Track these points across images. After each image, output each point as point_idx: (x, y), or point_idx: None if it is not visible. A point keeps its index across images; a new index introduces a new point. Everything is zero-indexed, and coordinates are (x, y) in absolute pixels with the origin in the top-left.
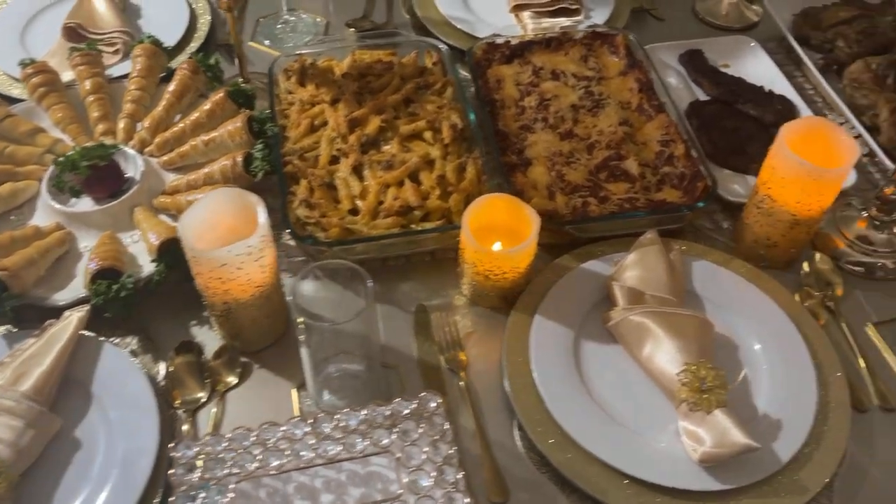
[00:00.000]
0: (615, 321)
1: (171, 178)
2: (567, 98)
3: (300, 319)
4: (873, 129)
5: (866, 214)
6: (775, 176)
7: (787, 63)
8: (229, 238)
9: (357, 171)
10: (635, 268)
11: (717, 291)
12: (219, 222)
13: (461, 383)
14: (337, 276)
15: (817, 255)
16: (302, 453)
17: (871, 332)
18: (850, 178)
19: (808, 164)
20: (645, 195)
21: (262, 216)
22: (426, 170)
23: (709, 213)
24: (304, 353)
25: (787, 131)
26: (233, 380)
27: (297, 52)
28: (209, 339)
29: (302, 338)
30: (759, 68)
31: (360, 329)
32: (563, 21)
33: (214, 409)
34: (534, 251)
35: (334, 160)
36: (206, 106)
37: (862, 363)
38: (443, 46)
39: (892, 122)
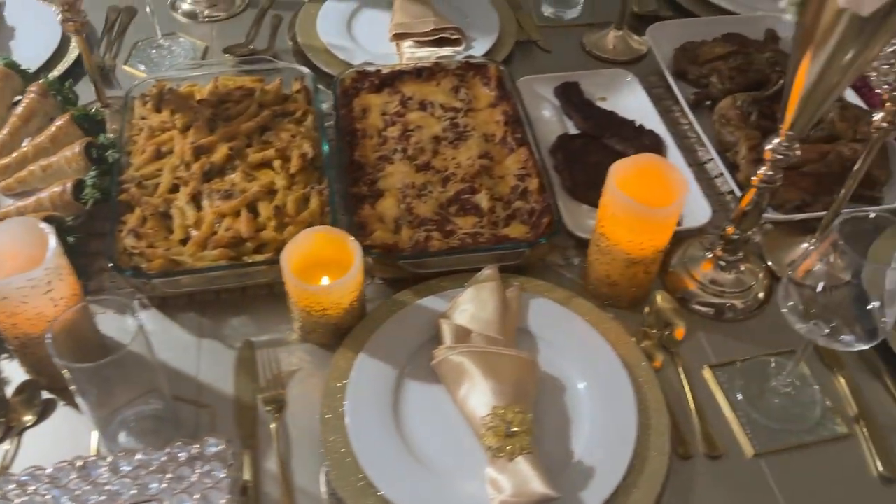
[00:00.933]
0: (437, 360)
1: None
2: (431, 129)
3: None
4: (735, 167)
5: (711, 255)
6: (607, 214)
7: (667, 97)
8: (27, 270)
9: (196, 200)
10: (468, 305)
11: (553, 330)
12: (18, 253)
13: (272, 425)
14: (112, 311)
15: (658, 295)
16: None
17: (707, 374)
18: (705, 216)
19: (633, 202)
20: (491, 230)
21: (52, 246)
22: (266, 200)
23: (562, 249)
24: (78, 398)
25: (617, 169)
26: (29, 419)
27: (157, 76)
28: (17, 373)
29: (70, 383)
30: (634, 102)
31: (134, 368)
32: (445, 51)
33: (8, 448)
34: (357, 287)
35: (175, 189)
36: (51, 130)
37: (692, 407)
38: (309, 74)
39: (749, 159)
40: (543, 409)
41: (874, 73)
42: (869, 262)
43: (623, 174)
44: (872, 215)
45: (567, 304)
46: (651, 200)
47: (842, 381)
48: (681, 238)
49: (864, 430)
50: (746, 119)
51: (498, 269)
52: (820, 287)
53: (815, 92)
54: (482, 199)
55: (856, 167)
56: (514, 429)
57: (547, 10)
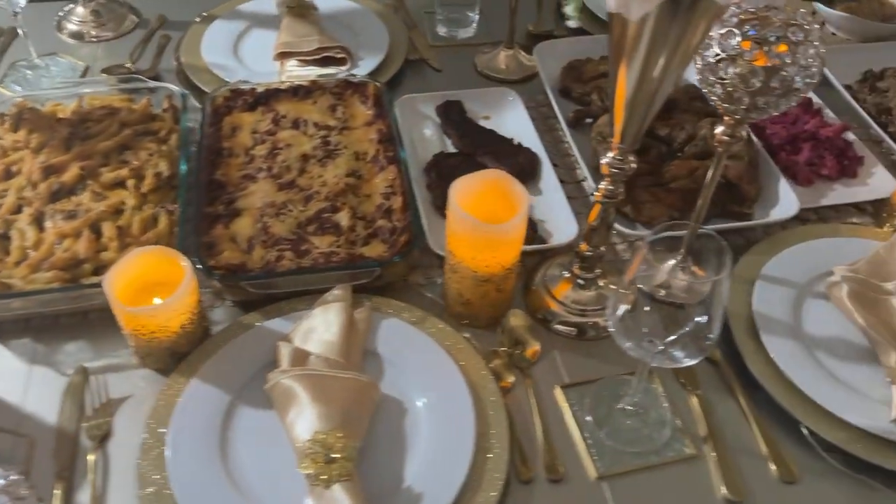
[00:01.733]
0: (269, 384)
1: None
2: (301, 147)
3: None
4: None
5: (568, 273)
6: (450, 231)
7: (552, 115)
8: None
9: (39, 221)
10: (312, 326)
11: (401, 351)
12: None
13: (90, 456)
14: None
15: (512, 314)
16: None
17: (558, 394)
18: (570, 233)
19: (469, 218)
20: (348, 249)
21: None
22: (111, 220)
23: (425, 268)
24: None
25: (458, 186)
26: None
27: (24, 95)
28: None
29: None
30: (516, 120)
31: None
32: (329, 70)
33: None
34: (189, 309)
35: (19, 210)
36: None
37: (539, 430)
38: (178, 92)
39: None
40: (381, 433)
41: (706, 87)
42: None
43: (466, 191)
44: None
45: (420, 324)
46: (496, 217)
47: (695, 400)
48: (548, 256)
49: (713, 451)
50: None
51: (351, 288)
52: (644, 305)
53: (636, 102)
54: (342, 218)
55: (706, 182)
56: (335, 455)
57: (441, 30)
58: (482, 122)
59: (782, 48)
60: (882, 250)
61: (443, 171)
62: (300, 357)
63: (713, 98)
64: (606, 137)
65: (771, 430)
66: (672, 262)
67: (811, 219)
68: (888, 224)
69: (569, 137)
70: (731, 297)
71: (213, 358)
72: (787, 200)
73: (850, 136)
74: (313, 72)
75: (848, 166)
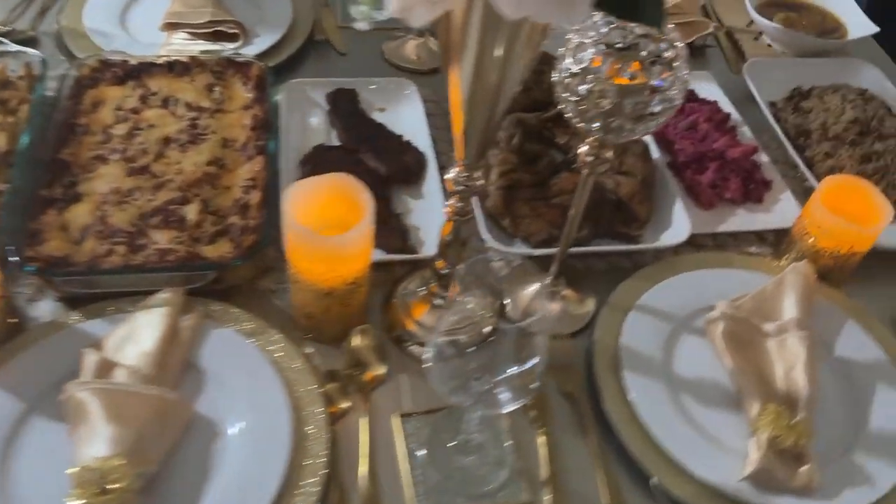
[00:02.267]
0: (64, 396)
1: None
2: (165, 129)
3: None
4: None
5: (425, 290)
6: (286, 239)
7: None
8: None
9: None
10: (129, 332)
11: (227, 366)
12: None
13: None
14: None
15: (358, 332)
16: None
17: (395, 424)
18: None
19: (299, 227)
20: (189, 247)
21: None
22: None
23: (279, 272)
24: None
25: (298, 189)
26: None
27: None
28: None
29: None
30: (412, 115)
31: None
32: (215, 46)
33: None
34: None
35: None
36: None
37: (365, 462)
38: (38, 58)
39: (499, 186)
40: (185, 458)
41: (561, 102)
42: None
43: (310, 196)
44: (498, 259)
45: (256, 336)
46: (346, 226)
47: (543, 438)
48: (420, 268)
49: (551, 495)
50: (509, 142)
51: (182, 292)
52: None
53: (473, 115)
54: (190, 211)
55: (573, 202)
56: (111, 486)
57: (354, 11)
58: (376, 115)
59: (636, 67)
60: (770, 286)
61: (320, 166)
62: (105, 367)
63: (567, 114)
64: (498, 143)
65: (620, 478)
66: (536, 286)
67: (707, 245)
68: (787, 257)
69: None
70: (603, 326)
71: (14, 359)
72: (679, 224)
73: (763, 157)
74: (197, 46)
75: (753, 190)
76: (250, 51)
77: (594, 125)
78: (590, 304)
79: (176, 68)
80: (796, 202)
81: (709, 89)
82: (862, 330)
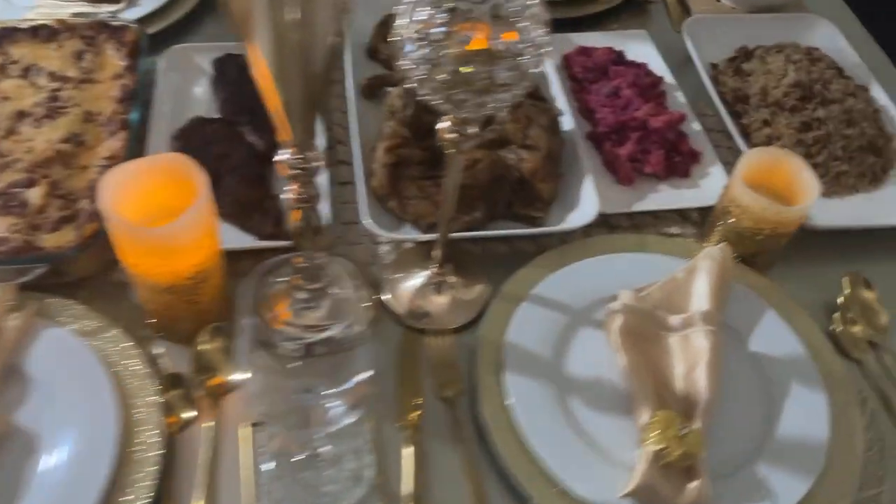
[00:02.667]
0: None
1: None
2: (21, 102)
3: None
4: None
5: (286, 284)
6: (108, 229)
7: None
8: None
9: None
10: None
11: (55, 372)
12: None
13: None
14: None
15: (206, 333)
16: None
17: (243, 435)
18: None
19: (117, 217)
20: (28, 235)
21: None
22: None
23: None
24: None
25: (114, 175)
26: None
27: None
28: None
29: None
30: None
31: None
32: (88, 9)
33: None
34: None
35: None
36: None
37: (203, 480)
38: None
39: (385, 163)
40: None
41: (400, 67)
42: None
43: (132, 179)
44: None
45: (93, 336)
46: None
47: (411, 449)
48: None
49: None
50: (401, 113)
51: (13, 288)
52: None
53: (287, 88)
54: (35, 195)
55: (444, 185)
56: None
57: None
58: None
59: (473, 28)
60: (680, 274)
61: (194, 140)
62: None
63: (410, 85)
64: (395, 114)
65: (492, 493)
66: (421, 277)
67: (622, 226)
68: (709, 239)
69: (350, 109)
70: (490, 319)
71: None
72: (587, 204)
73: (695, 126)
74: (71, 8)
75: (679, 164)
76: (133, 13)
77: (436, 99)
78: (480, 295)
79: (41, 33)
80: (727, 177)
81: (642, 50)
82: (783, 321)
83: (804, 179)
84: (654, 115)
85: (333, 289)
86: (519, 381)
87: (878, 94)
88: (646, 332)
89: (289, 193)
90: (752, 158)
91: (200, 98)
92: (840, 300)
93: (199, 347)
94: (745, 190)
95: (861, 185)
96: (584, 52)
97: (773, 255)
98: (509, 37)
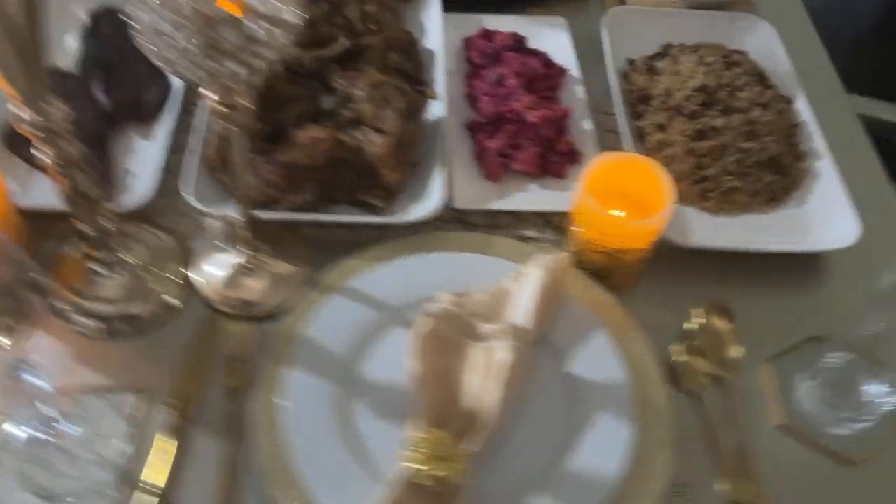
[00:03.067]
0: None
1: None
2: None
3: None
4: None
5: (70, 249)
6: None
7: None
8: None
9: None
10: None
11: None
12: None
13: None
14: None
15: None
16: None
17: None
18: (144, 193)
19: None
20: None
21: None
22: None
23: None
24: None
25: None
26: None
27: None
28: None
29: None
30: None
31: None
32: None
33: None
34: None
35: None
36: None
37: None
38: None
39: (221, 132)
40: None
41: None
42: None
43: None
44: None
45: None
46: None
47: (169, 446)
48: None
49: None
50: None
51: None
52: None
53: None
54: None
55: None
56: None
57: None
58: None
59: None
60: (506, 282)
61: None
62: None
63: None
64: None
65: (247, 496)
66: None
67: (479, 224)
68: (565, 248)
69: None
70: (297, 311)
71: None
72: (434, 196)
73: (586, 125)
74: None
75: (554, 163)
76: None
77: (172, 61)
78: (295, 282)
79: None
80: None
81: (553, 39)
82: (613, 344)
83: (662, 190)
84: (531, 109)
85: (137, 262)
86: (300, 380)
87: (803, 107)
88: (452, 339)
89: (43, 156)
90: (602, 163)
91: (69, 48)
92: (686, 326)
93: None
94: (588, 198)
95: (754, 205)
96: (487, 35)
97: (628, 271)
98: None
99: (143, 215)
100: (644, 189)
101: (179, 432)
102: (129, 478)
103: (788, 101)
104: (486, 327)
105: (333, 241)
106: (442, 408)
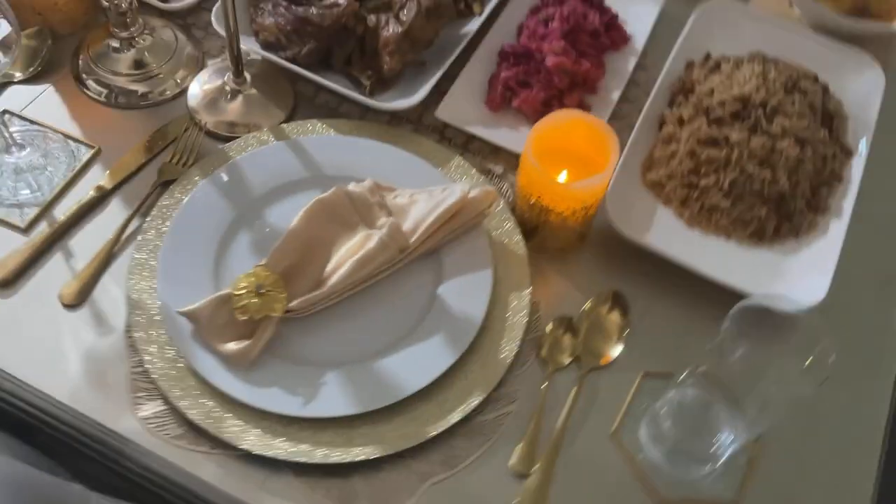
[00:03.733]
0: None
1: None
2: None
3: None
4: None
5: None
6: None
7: None
8: None
9: None
10: None
11: None
12: None
13: None
14: None
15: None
16: None
17: None
18: None
19: None
20: None
21: None
22: None
23: None
24: None
25: None
26: None
27: None
28: None
29: None
30: None
31: None
32: None
33: None
34: None
35: None
36: None
37: None
38: None
39: None
40: None
41: None
42: None
43: None
44: None
45: None
46: None
47: None
48: None
49: None
50: None
51: None
52: None
53: None
54: None
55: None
56: None
57: None
58: None
59: None
60: (425, 192)
61: None
62: None
63: None
64: None
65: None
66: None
67: (449, 139)
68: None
69: None
70: (245, 144)
71: None
72: (416, 94)
73: (613, 94)
74: None
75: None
76: None
77: None
78: (257, 121)
79: None
80: None
81: (641, 8)
82: (489, 286)
83: (608, 160)
84: (555, 54)
85: (148, 52)
86: (210, 194)
87: (857, 164)
88: (347, 217)
89: None
90: (561, 119)
91: None
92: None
93: None
94: (528, 148)
95: (734, 232)
96: None
97: (555, 234)
98: None
99: (175, 17)
100: (595, 155)
101: (102, 190)
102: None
103: (848, 151)
104: (382, 220)
105: (317, 103)
106: (295, 262)
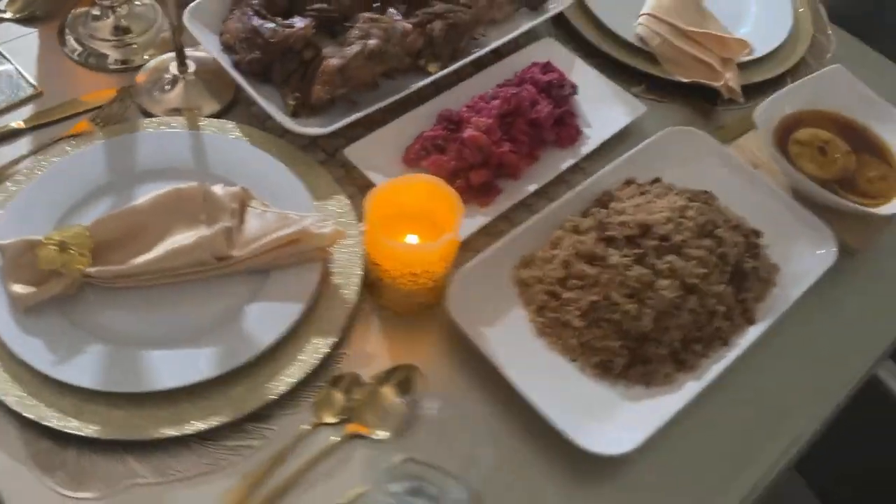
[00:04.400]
0: None
1: None
2: None
3: None
4: None
5: None
6: None
7: None
8: None
9: None
10: None
11: None
12: None
13: None
14: None
15: None
16: None
17: None
18: None
19: None
20: None
21: None
22: None
23: None
24: None
25: None
26: None
27: None
28: None
29: None
30: None
31: None
32: None
33: None
34: None
35: None
36: None
37: None
38: None
39: None
40: None
41: None
42: None
43: None
44: None
45: None
46: None
47: None
48: None
49: None
50: None
51: None
52: None
53: None
54: None
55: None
56: None
57: None
58: None
59: None
60: (281, 217)
61: None
62: None
63: None
64: None
65: None
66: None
67: (357, 180)
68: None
69: None
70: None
71: None
72: (329, 127)
73: (531, 187)
74: None
75: (462, 188)
76: None
77: None
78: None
79: None
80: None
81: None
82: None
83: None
84: (477, 129)
85: (122, 19)
86: (79, 158)
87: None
88: (195, 213)
89: None
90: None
91: None
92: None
93: None
94: (368, 210)
95: (582, 358)
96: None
97: (390, 298)
98: None
99: None
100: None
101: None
102: None
103: (750, 318)
104: (223, 225)
105: (252, 111)
106: (119, 236)
